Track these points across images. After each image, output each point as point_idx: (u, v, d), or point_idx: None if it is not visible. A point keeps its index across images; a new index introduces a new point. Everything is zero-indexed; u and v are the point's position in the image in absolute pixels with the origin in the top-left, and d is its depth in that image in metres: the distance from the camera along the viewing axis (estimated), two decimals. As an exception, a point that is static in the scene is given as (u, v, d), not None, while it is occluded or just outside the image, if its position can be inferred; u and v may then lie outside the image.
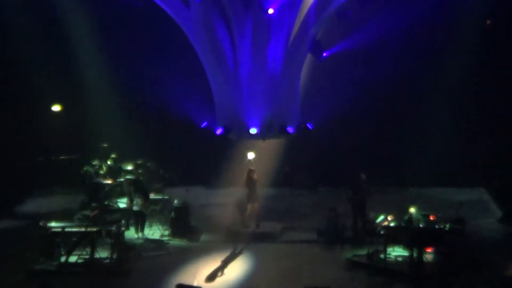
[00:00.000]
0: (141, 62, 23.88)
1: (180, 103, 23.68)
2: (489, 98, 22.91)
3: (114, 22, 23.65)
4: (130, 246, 17.95)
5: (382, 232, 17.13)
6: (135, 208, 19.09)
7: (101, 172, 21.04)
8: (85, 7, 23.60)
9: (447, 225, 16.71)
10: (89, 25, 23.89)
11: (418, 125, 23.55)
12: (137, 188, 19.29)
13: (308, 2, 22.23)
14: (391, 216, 17.31)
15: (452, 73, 23.16)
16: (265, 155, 21.24)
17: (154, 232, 19.26)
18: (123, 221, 18.04)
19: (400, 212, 17.27)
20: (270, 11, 21.73)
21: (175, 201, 19.41)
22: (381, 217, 17.47)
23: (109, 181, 20.57)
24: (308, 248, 18.33)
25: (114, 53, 23.68)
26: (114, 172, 21.00)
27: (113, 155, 21.45)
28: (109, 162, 21.39)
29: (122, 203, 19.33)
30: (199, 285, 15.11)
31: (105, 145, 21.92)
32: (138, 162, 21.33)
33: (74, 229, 17.07)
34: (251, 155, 20.21)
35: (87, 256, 16.84)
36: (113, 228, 17.11)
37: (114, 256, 16.92)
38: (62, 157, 23.61)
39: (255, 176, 19.21)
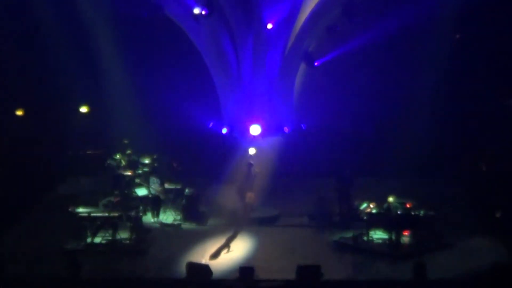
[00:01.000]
0: (158, 69, 24.50)
1: (189, 105, 23.84)
2: (468, 95, 23.52)
3: (139, 35, 24.17)
4: (147, 229, 18.65)
5: (365, 217, 18.11)
6: (152, 191, 19.81)
7: (122, 164, 21.29)
8: (110, 24, 23.91)
9: (421, 212, 17.74)
10: (114, 37, 24.21)
11: (402, 123, 23.85)
12: (154, 177, 20.16)
13: (302, 19, 22.45)
14: (373, 203, 18.26)
15: (429, 76, 23.78)
16: (264, 152, 21.28)
17: (168, 217, 19.91)
18: (141, 207, 18.96)
19: (381, 200, 18.17)
20: (269, 26, 21.98)
21: (186, 190, 19.98)
22: (364, 205, 18.39)
23: (129, 173, 20.85)
24: (300, 231, 19.14)
25: (135, 62, 24.34)
26: (133, 164, 21.31)
27: (128, 151, 21.66)
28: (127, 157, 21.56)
29: (140, 191, 20.01)
30: (207, 263, 15.83)
31: (126, 141, 22.19)
32: (154, 156, 21.68)
33: (98, 214, 17.85)
34: (252, 151, 20.49)
35: (110, 238, 17.58)
36: (132, 213, 18.00)
37: (133, 238, 17.70)
38: (89, 152, 24.34)
39: (256, 170, 19.65)
